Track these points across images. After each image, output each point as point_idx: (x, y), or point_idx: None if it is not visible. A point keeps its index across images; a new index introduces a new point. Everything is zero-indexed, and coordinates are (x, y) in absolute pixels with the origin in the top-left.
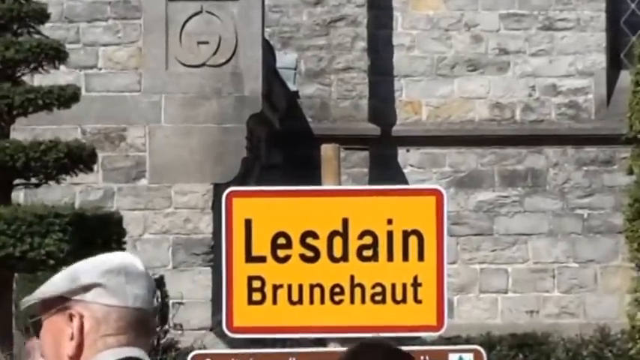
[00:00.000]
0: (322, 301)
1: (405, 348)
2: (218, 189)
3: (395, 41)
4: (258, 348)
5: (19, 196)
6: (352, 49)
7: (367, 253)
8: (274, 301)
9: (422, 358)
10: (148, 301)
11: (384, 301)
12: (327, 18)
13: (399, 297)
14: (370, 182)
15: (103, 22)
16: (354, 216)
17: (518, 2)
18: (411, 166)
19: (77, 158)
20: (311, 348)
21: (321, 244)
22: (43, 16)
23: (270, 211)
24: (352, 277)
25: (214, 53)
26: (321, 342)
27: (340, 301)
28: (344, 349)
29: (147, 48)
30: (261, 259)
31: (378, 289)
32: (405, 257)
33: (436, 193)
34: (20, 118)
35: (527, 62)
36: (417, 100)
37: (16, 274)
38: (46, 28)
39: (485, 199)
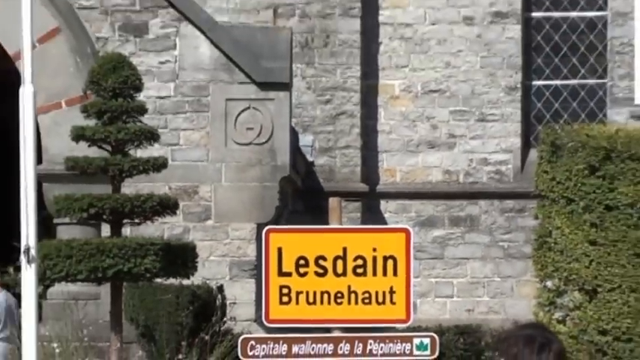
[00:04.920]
0: (329, 303)
1: (383, 334)
2: (260, 227)
3: (379, 128)
4: (285, 334)
5: (126, 231)
6: (350, 133)
7: (359, 270)
8: (297, 302)
9: (395, 341)
10: None
11: (370, 303)
12: (334, 112)
13: (380, 300)
14: (362, 223)
15: (183, 114)
16: (350, 246)
17: (462, 102)
18: (389, 212)
19: (165, 206)
20: (321, 334)
21: (328, 264)
22: (142, 110)
23: (295, 242)
24: (349, 287)
25: (258, 136)
26: (328, 330)
27: (341, 303)
28: (343, 334)
29: (213, 132)
30: (288, 274)
31: (367, 295)
32: (385, 273)
33: (405, 231)
34: (128, 179)
35: (467, 143)
36: (394, 168)
37: (124, 283)
38: (145, 118)
39: (438, 235)
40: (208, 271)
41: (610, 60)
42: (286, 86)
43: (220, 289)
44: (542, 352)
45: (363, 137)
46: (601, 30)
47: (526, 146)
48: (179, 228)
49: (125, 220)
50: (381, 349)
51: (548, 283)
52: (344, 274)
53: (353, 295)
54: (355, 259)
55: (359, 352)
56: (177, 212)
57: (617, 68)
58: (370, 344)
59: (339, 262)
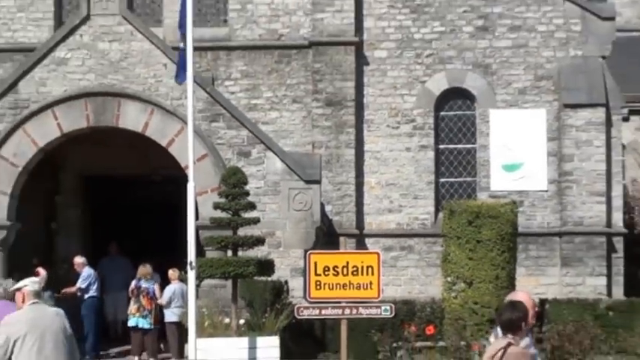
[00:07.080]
0: (339, 289)
1: (366, 304)
2: (306, 251)
3: (364, 202)
4: (318, 304)
5: (239, 253)
6: (350, 205)
7: (355, 273)
8: (324, 288)
9: (372, 307)
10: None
11: (360, 289)
12: (341, 195)
13: (365, 287)
14: (356, 249)
15: (267, 196)
16: (350, 261)
17: (405, 189)
18: (369, 244)
19: (259, 241)
20: (335, 304)
21: (339, 270)
22: (247, 194)
23: (323, 259)
24: (350, 281)
25: (304, 206)
26: (339, 303)
27: (346, 288)
28: (346, 304)
29: (281, 204)
30: (320, 275)
31: (358, 284)
32: (367, 274)
33: (377, 253)
34: (240, 228)
35: (408, 209)
36: (372, 222)
37: (239, 280)
38: (249, 198)
39: (393, 255)
40: (280, 273)
41: (478, 169)
42: (318, 182)
43: (286, 282)
44: (506, 313)
45: (356, 207)
46: (473, 154)
47: (437, 211)
48: (265, 252)
49: (239, 248)
50: (366, 311)
51: (448, 279)
52: (347, 274)
53: (352, 285)
54: (353, 267)
55: (354, 313)
56: (265, 244)
57: (481, 172)
58: (360, 309)
59: (345, 269)
